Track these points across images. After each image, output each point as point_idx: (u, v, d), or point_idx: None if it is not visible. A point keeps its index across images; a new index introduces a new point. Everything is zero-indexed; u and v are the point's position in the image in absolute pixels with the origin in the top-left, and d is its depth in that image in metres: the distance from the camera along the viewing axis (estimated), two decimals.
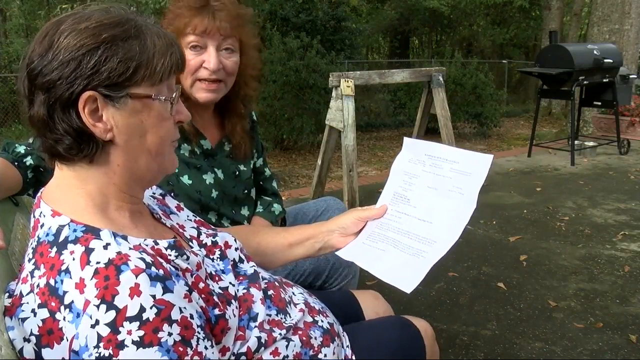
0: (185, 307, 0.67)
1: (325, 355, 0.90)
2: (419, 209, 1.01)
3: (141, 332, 0.62)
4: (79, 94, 0.69)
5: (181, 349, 0.65)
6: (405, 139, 1.10)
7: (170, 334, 0.64)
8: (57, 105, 0.70)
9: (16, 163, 1.03)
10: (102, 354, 0.61)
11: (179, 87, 0.80)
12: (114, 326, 0.62)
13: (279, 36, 7.13)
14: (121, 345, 0.62)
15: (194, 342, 0.67)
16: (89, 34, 0.69)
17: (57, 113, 0.70)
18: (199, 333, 0.68)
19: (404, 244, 0.98)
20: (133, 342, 0.62)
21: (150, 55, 0.73)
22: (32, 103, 0.71)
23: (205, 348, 0.68)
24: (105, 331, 0.62)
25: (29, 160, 1.05)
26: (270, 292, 0.92)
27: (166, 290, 0.66)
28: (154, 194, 0.96)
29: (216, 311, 0.76)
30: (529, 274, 2.80)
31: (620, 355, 2.05)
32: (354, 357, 0.97)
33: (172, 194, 1.06)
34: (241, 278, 0.90)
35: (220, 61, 1.25)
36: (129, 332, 0.62)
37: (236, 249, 0.94)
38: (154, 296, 0.65)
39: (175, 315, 0.65)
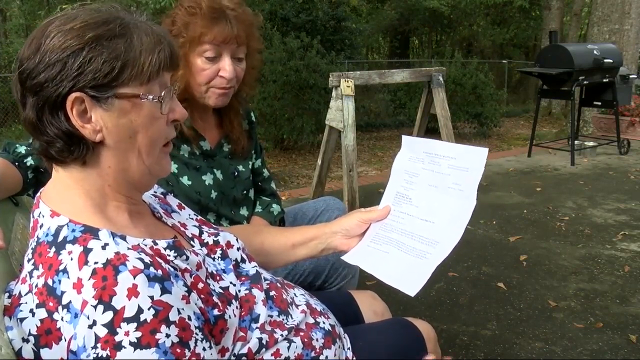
0: (183, 309, 0.67)
1: (326, 357, 0.89)
2: (421, 209, 1.00)
3: (139, 334, 0.62)
4: (65, 96, 0.69)
5: (179, 350, 0.64)
6: (404, 137, 1.08)
7: (168, 336, 0.64)
8: (45, 107, 0.70)
9: (17, 163, 1.03)
10: (99, 355, 0.61)
11: (174, 85, 0.78)
12: (112, 327, 0.62)
13: (279, 36, 7.13)
14: (118, 347, 0.61)
15: (191, 343, 0.66)
16: (73, 35, 0.69)
17: (45, 116, 0.70)
18: (197, 334, 0.68)
19: (408, 246, 0.97)
20: (130, 343, 0.62)
21: (137, 54, 0.71)
22: (25, 106, 0.71)
23: (204, 349, 0.68)
24: (102, 332, 0.62)
25: (29, 161, 1.05)
26: (273, 292, 0.92)
27: (164, 291, 0.66)
28: (155, 192, 0.95)
29: (215, 311, 0.75)
30: (529, 274, 2.80)
31: (620, 355, 2.05)
32: (354, 359, 0.97)
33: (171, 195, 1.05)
34: (243, 278, 0.90)
35: (234, 69, 1.26)
36: (127, 333, 0.62)
37: (238, 249, 0.94)
38: (152, 297, 0.64)
39: (173, 316, 0.65)
